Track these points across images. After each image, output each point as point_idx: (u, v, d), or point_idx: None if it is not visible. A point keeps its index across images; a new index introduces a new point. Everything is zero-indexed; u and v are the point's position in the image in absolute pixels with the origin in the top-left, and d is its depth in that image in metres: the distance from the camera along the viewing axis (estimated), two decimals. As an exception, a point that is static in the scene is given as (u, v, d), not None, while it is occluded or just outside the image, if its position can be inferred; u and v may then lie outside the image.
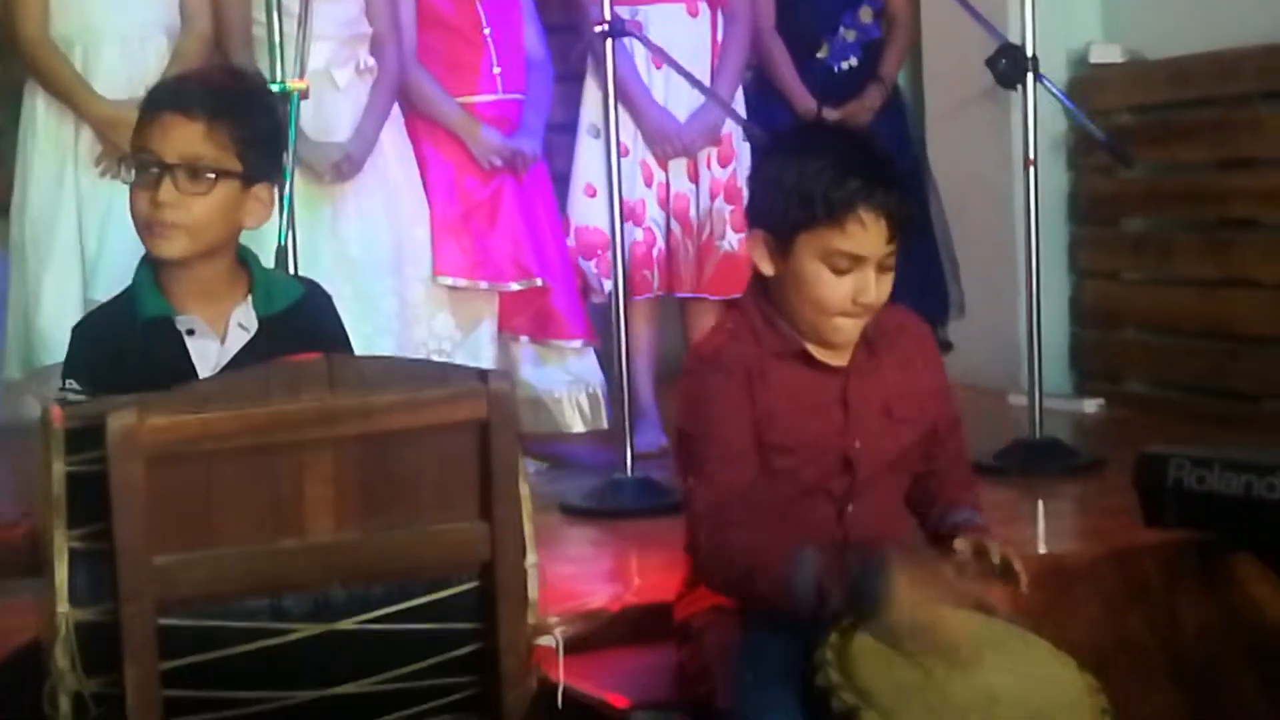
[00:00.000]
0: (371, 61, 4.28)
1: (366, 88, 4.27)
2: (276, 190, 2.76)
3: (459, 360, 4.22)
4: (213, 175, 2.56)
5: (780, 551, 2.39)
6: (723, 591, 2.54)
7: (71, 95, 4.05)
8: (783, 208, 2.50)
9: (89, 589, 2.03)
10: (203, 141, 2.57)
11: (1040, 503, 3.94)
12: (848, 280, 2.49)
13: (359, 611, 2.13)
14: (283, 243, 3.35)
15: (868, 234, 2.47)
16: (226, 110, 2.60)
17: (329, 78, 4.17)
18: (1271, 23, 4.73)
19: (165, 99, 2.61)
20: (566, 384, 4.52)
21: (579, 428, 4.52)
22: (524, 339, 4.49)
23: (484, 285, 4.36)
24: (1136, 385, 5.41)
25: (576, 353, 4.53)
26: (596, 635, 2.92)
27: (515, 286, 4.38)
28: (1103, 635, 3.22)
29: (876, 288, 2.51)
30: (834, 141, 2.56)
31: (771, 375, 2.55)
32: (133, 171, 2.58)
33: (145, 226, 2.57)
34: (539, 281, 4.40)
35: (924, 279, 5.01)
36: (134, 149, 2.58)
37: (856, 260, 2.48)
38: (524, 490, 2.19)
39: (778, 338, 2.57)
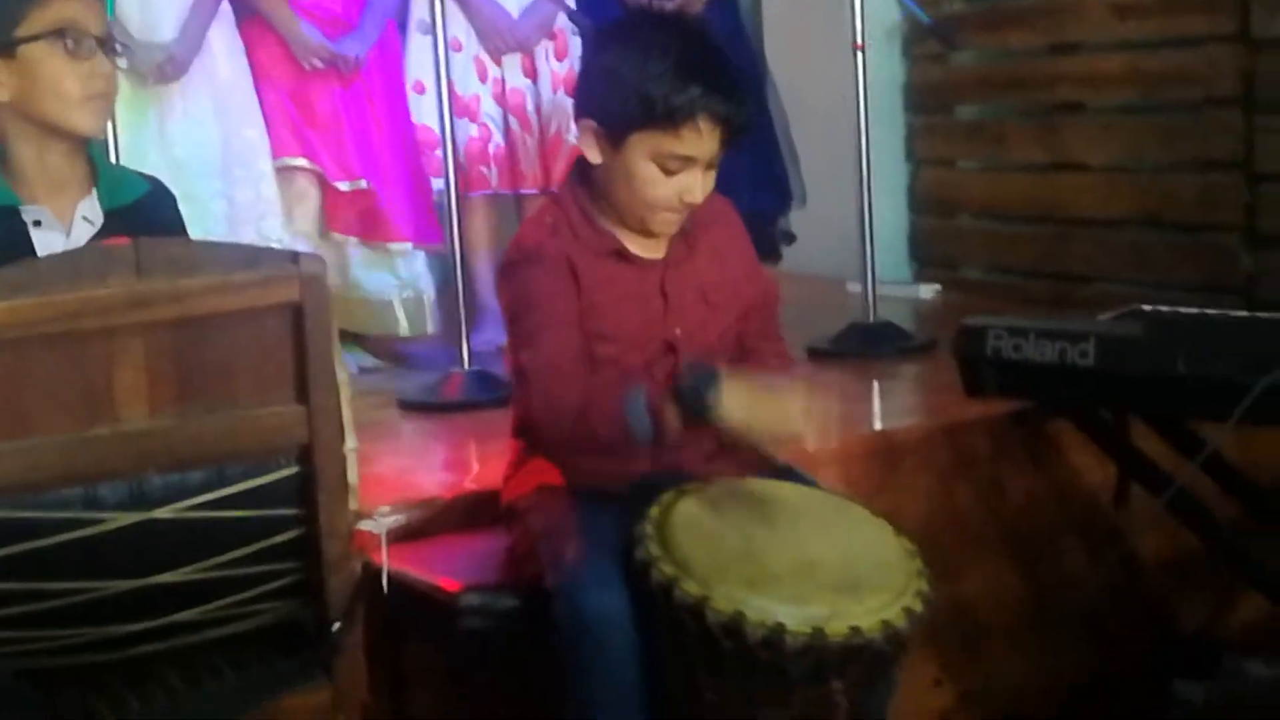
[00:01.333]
0: (198, -42, 4.21)
1: (195, -14, 4.20)
2: None
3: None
4: (119, 48, 2.63)
5: (612, 392, 2.45)
6: (559, 447, 2.56)
7: None
8: (619, 105, 2.52)
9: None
10: (105, 18, 2.63)
11: (875, 383, 4.00)
12: (676, 179, 2.53)
13: (176, 499, 2.11)
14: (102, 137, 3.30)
15: (702, 140, 2.51)
16: None
17: (153, -24, 4.10)
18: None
19: None
20: (396, 287, 4.50)
21: (405, 331, 4.51)
22: (352, 240, 4.44)
23: (317, 168, 4.33)
24: (973, 270, 5.50)
25: (405, 256, 4.49)
26: (431, 523, 2.93)
27: (342, 187, 4.36)
28: (933, 507, 3.30)
29: (702, 186, 2.55)
30: (674, 41, 2.54)
31: (591, 270, 2.58)
32: (70, 44, 2.55)
33: (82, 101, 2.57)
34: (364, 184, 4.37)
35: (764, 171, 5.01)
36: (65, 23, 2.55)
37: (687, 162, 2.52)
38: (341, 375, 2.19)
39: (595, 235, 2.60)
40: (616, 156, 2.55)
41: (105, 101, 2.62)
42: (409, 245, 4.46)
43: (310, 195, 4.36)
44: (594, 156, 2.59)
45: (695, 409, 2.38)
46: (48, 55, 2.55)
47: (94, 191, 2.63)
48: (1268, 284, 4.43)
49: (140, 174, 2.79)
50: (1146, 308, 2.83)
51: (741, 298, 2.70)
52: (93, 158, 2.67)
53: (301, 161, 4.30)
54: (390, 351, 4.61)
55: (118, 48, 2.63)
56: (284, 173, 4.31)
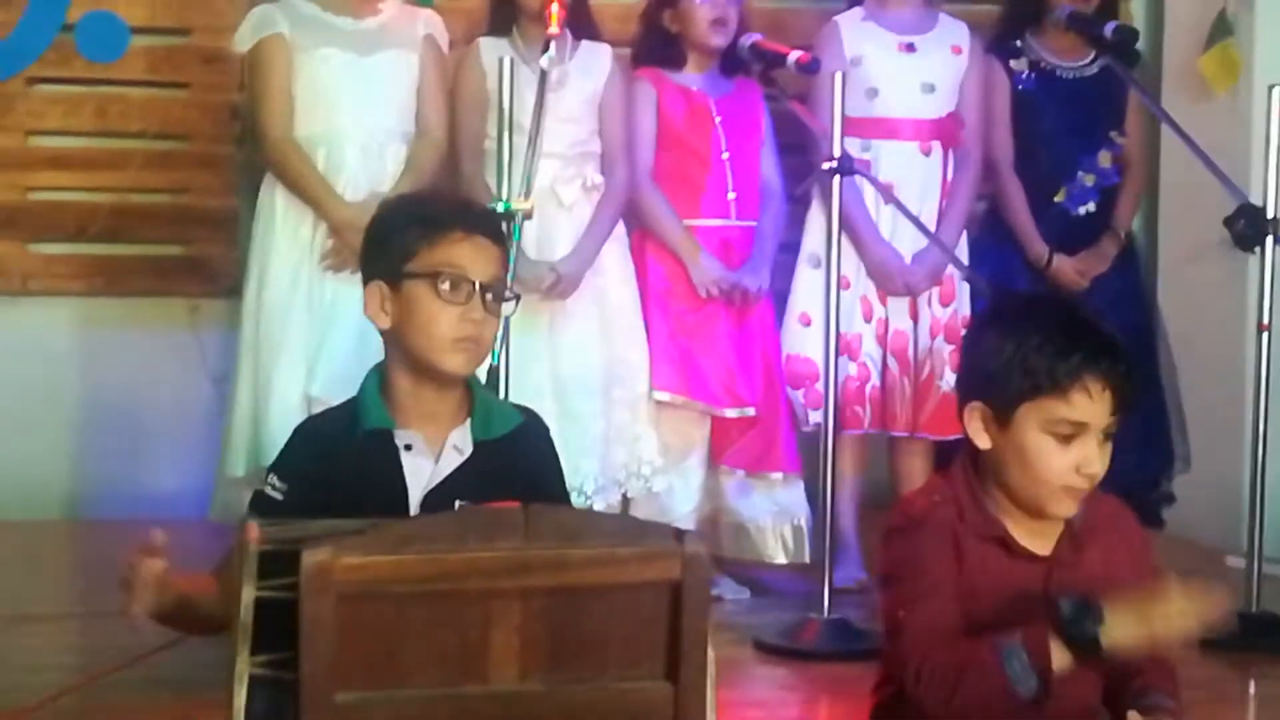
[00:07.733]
0: (598, 179, 4.34)
1: (591, 205, 4.32)
2: None
3: (667, 484, 4.33)
4: (509, 298, 2.73)
5: (986, 650, 2.41)
6: (939, 711, 2.47)
7: (316, 197, 4.14)
8: (1004, 378, 2.49)
9: (264, 717, 2.04)
10: (499, 265, 2.71)
11: (1251, 684, 3.77)
12: (1071, 450, 2.48)
13: (535, 764, 2.10)
14: (495, 362, 3.37)
15: (1093, 403, 2.46)
16: (502, 236, 2.81)
17: (554, 195, 4.23)
18: None
19: (477, 222, 2.71)
20: (772, 514, 4.48)
21: (781, 559, 4.47)
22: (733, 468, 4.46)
23: (700, 406, 4.37)
24: (1366, 557, 5.18)
25: (784, 483, 4.48)
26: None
27: (730, 413, 4.39)
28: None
29: (1100, 457, 2.49)
30: (1049, 316, 2.54)
31: (973, 553, 2.53)
32: (446, 287, 2.62)
33: (451, 343, 2.63)
34: (751, 410, 4.39)
35: (1149, 432, 4.89)
36: (447, 266, 2.63)
37: (1080, 428, 2.47)
38: (710, 655, 2.15)
39: (981, 519, 2.55)
40: (1006, 434, 2.51)
41: (477, 345, 2.66)
42: (789, 473, 4.45)
43: (693, 426, 4.40)
44: (982, 441, 2.54)
45: (1082, 645, 2.36)
46: (424, 294, 2.63)
47: (468, 422, 2.68)
48: None
49: (516, 406, 2.84)
50: None
51: None
52: (470, 388, 2.72)
53: (680, 400, 4.35)
54: (746, 578, 4.56)
55: (506, 294, 2.71)
56: (665, 405, 4.36)
